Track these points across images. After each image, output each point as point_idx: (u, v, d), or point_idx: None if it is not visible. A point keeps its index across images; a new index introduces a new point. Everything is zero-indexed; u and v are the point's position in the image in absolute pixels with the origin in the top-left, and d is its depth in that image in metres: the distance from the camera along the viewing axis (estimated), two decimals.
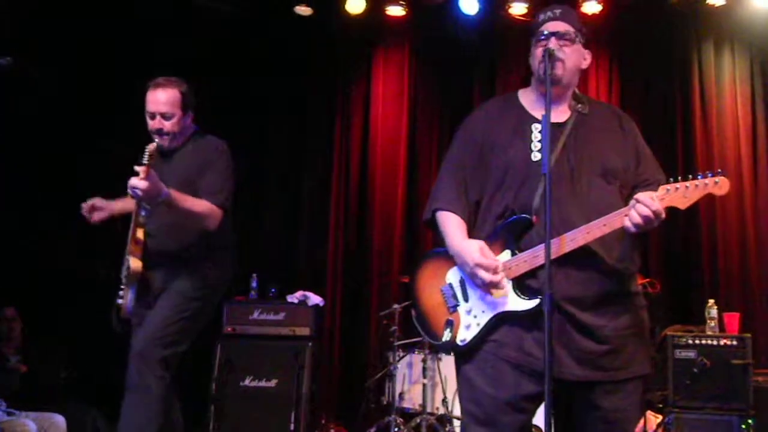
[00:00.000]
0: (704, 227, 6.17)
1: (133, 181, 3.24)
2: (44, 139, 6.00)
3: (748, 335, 4.91)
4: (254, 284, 6.01)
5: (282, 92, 6.91)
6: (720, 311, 5.13)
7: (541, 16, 2.62)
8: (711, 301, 5.16)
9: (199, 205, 3.51)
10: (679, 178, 2.37)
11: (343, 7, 6.54)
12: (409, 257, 6.58)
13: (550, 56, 2.46)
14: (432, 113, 6.92)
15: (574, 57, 2.58)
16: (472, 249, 2.47)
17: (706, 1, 6.19)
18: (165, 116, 3.61)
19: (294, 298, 5.83)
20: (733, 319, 5.13)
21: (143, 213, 3.54)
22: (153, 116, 3.64)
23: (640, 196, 2.35)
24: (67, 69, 6.06)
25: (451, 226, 2.60)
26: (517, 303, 2.44)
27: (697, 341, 4.92)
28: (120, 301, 3.65)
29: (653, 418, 5.05)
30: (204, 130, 3.81)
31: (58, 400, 5.02)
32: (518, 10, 6.35)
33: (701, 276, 6.14)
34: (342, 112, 7.01)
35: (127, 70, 6.11)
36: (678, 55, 6.50)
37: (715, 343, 4.90)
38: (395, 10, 6.66)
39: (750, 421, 4.70)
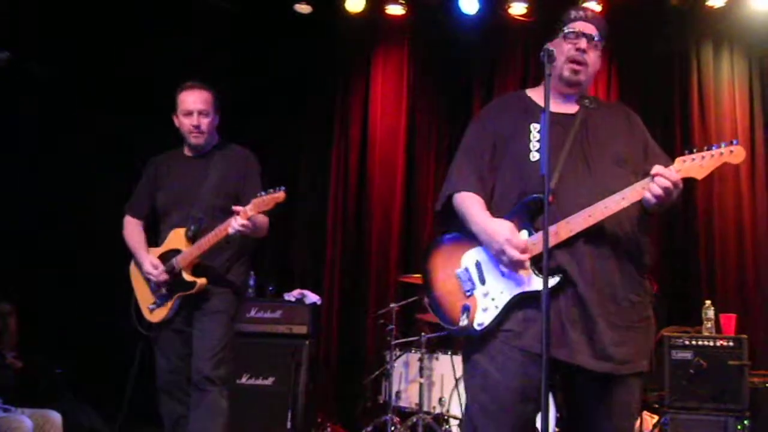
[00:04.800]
0: (701, 228, 6.18)
1: (243, 223, 3.52)
2: (44, 136, 5.99)
3: (745, 336, 4.93)
4: (252, 282, 6.00)
5: (280, 90, 6.91)
6: (717, 312, 5.14)
7: (573, 13, 2.67)
8: (708, 302, 5.17)
9: (264, 220, 3.77)
10: (694, 150, 2.38)
11: (343, 5, 6.54)
12: (406, 256, 6.59)
13: (548, 56, 2.47)
14: (431, 113, 6.93)
15: (594, 62, 2.67)
16: (503, 227, 2.47)
17: (705, 2, 6.20)
18: (203, 113, 3.85)
19: (291, 296, 5.83)
20: (729, 321, 5.14)
21: (194, 228, 3.75)
22: (190, 114, 3.84)
23: (658, 168, 2.36)
24: (68, 67, 6.06)
25: (474, 205, 2.59)
26: (538, 282, 2.42)
27: (693, 342, 4.94)
28: (152, 306, 3.86)
29: (649, 419, 5.07)
30: (225, 137, 4.03)
31: (54, 397, 5.00)
32: (518, 10, 6.35)
33: (698, 277, 6.15)
34: (341, 111, 7.01)
35: (126, 69, 6.12)
36: (677, 55, 6.51)
37: (711, 344, 4.91)
38: (395, 9, 6.66)
39: (746, 422, 4.72)
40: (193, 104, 3.84)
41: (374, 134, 6.88)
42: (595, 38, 2.63)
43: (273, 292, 6.00)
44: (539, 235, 2.45)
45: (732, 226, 6.13)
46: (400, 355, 5.65)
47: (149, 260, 3.83)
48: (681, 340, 4.95)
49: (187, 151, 3.97)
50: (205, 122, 3.85)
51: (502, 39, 6.66)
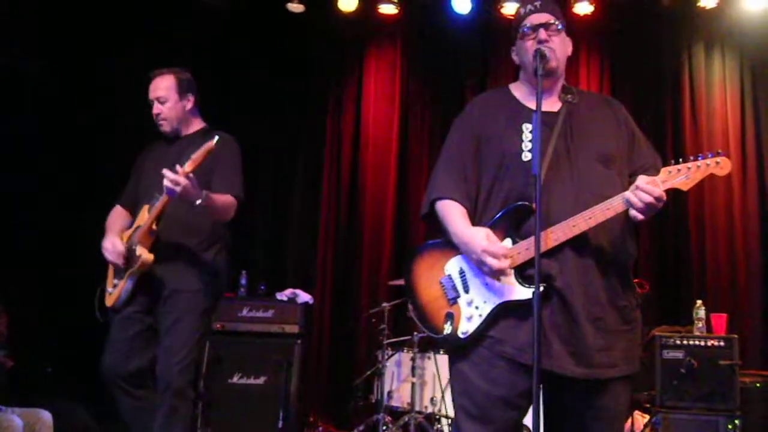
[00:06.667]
0: (693, 228, 6.20)
1: (173, 178, 3.26)
2: (43, 135, 5.98)
3: (735, 336, 4.94)
4: (243, 281, 6.00)
5: (273, 90, 6.89)
6: (708, 312, 5.15)
7: (523, 10, 2.63)
8: (699, 302, 5.19)
9: (223, 198, 3.59)
10: (681, 160, 2.38)
11: (336, 4, 6.54)
12: (399, 255, 6.58)
13: (542, 57, 2.47)
14: (423, 112, 6.93)
15: (562, 46, 2.61)
16: (479, 236, 2.45)
17: (698, 3, 6.22)
18: (160, 100, 3.78)
19: (283, 295, 5.82)
20: (720, 320, 5.15)
21: (155, 202, 3.53)
22: (152, 103, 3.81)
23: (641, 182, 2.35)
24: (67, 66, 6.05)
25: (454, 214, 2.56)
26: (521, 292, 2.42)
27: (684, 342, 4.95)
28: (110, 289, 3.70)
29: (640, 418, 5.08)
30: (213, 126, 3.91)
31: (44, 396, 4.98)
32: (510, 9, 6.36)
33: (690, 277, 6.17)
34: (333, 110, 7.00)
35: (123, 67, 6.12)
36: (669, 56, 6.54)
37: (702, 343, 4.92)
38: (387, 9, 6.66)
39: (736, 421, 4.73)
40: (152, 93, 3.80)
41: (367, 134, 6.88)
42: (553, 23, 2.57)
43: (265, 292, 5.99)
44: (523, 243, 2.43)
45: (723, 225, 6.15)
46: (392, 355, 5.65)
47: (110, 239, 3.71)
48: (672, 340, 4.97)
49: (172, 136, 3.89)
50: (164, 109, 3.77)
51: (494, 39, 6.66)
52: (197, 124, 3.89)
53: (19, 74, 5.80)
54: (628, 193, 2.37)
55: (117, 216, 3.90)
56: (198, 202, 3.36)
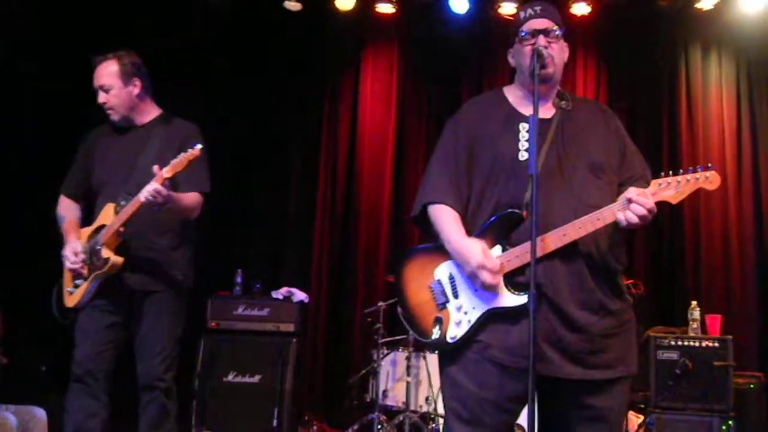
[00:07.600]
0: (688, 229, 6.22)
1: (157, 188, 3.21)
2: (43, 136, 5.96)
3: (730, 337, 4.96)
4: (239, 280, 5.99)
5: (269, 88, 6.89)
6: (702, 313, 5.17)
7: (523, 14, 2.62)
8: (694, 303, 5.20)
9: (191, 199, 3.49)
10: (670, 172, 2.40)
11: (333, 3, 6.53)
12: (394, 255, 6.58)
13: (539, 56, 2.47)
14: (420, 112, 6.93)
15: (560, 53, 2.61)
16: (475, 250, 2.44)
17: (695, 5, 6.24)
18: (104, 88, 3.58)
19: (279, 294, 5.82)
20: (715, 321, 5.17)
21: (123, 203, 3.42)
22: (97, 91, 3.61)
23: (634, 195, 2.36)
24: (67, 66, 6.04)
25: (447, 220, 2.55)
26: (509, 299, 2.42)
27: (679, 342, 4.96)
28: (70, 289, 3.57)
29: (635, 419, 5.09)
30: (170, 112, 3.74)
31: (38, 394, 4.98)
32: (508, 10, 6.36)
33: (685, 278, 6.18)
34: (330, 109, 7.00)
35: None
36: (665, 58, 6.54)
37: (697, 344, 4.94)
38: (385, 8, 6.66)
39: (730, 422, 4.74)
40: (96, 81, 3.60)
41: (363, 133, 6.87)
42: (552, 31, 2.57)
43: (260, 290, 5.99)
44: (513, 251, 2.44)
45: (718, 227, 6.16)
46: (387, 354, 5.65)
47: (71, 246, 3.55)
48: (667, 341, 4.98)
49: (124, 124, 3.68)
50: (110, 97, 3.57)
51: (492, 39, 6.66)
52: (153, 111, 3.69)
53: (19, 74, 5.79)
54: (621, 202, 2.37)
55: (67, 210, 3.76)
56: (166, 205, 3.30)
